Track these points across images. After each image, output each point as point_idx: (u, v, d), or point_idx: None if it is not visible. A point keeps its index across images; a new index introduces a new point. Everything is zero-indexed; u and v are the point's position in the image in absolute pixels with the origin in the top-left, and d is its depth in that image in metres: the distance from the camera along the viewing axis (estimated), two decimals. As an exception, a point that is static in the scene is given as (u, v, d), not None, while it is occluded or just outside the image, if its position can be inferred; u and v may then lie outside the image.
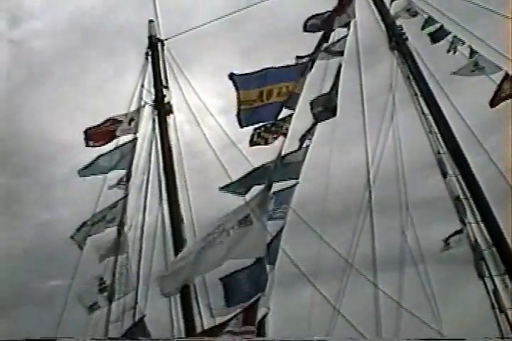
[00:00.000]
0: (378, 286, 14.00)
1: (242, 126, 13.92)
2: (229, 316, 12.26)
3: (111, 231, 16.70)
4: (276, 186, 13.49)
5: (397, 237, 15.77)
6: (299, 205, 14.44)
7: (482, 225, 13.20)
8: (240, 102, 13.79)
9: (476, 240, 13.38)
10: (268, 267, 13.56)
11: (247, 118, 13.79)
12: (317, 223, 14.98)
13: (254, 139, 13.73)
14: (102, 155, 17.27)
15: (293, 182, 13.68)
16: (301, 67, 13.92)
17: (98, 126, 17.37)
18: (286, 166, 13.31)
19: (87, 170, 17.20)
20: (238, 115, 13.77)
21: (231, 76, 13.87)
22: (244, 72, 14.04)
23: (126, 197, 16.54)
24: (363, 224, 14.93)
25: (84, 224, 16.95)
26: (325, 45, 14.25)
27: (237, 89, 13.85)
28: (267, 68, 14.04)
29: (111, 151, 17.22)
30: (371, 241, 14.68)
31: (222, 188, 13.58)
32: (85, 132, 17.30)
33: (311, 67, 13.89)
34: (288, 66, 14.17)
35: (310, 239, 14.96)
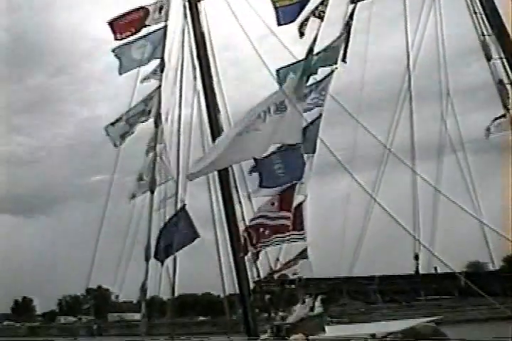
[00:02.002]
0: (416, 172, 13.86)
1: (279, 24, 13.64)
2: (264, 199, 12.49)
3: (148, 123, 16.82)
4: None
5: (436, 126, 15.42)
6: (337, 94, 14.24)
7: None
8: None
9: (518, 124, 13.17)
10: (306, 155, 13.63)
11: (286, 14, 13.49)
12: (355, 111, 14.73)
13: (302, 30, 13.47)
14: (127, 44, 16.63)
15: (331, 68, 13.52)
16: None
17: (123, 15, 16.72)
18: (326, 51, 13.10)
19: (124, 66, 16.78)
20: (276, 13, 13.51)
21: None
22: None
23: (160, 87, 16.40)
24: (401, 111, 14.59)
25: (119, 119, 16.95)
26: None
27: None
28: None
29: (139, 40, 16.62)
30: (410, 129, 14.44)
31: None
32: (110, 24, 16.66)
33: None
34: None
35: (348, 127, 14.77)
